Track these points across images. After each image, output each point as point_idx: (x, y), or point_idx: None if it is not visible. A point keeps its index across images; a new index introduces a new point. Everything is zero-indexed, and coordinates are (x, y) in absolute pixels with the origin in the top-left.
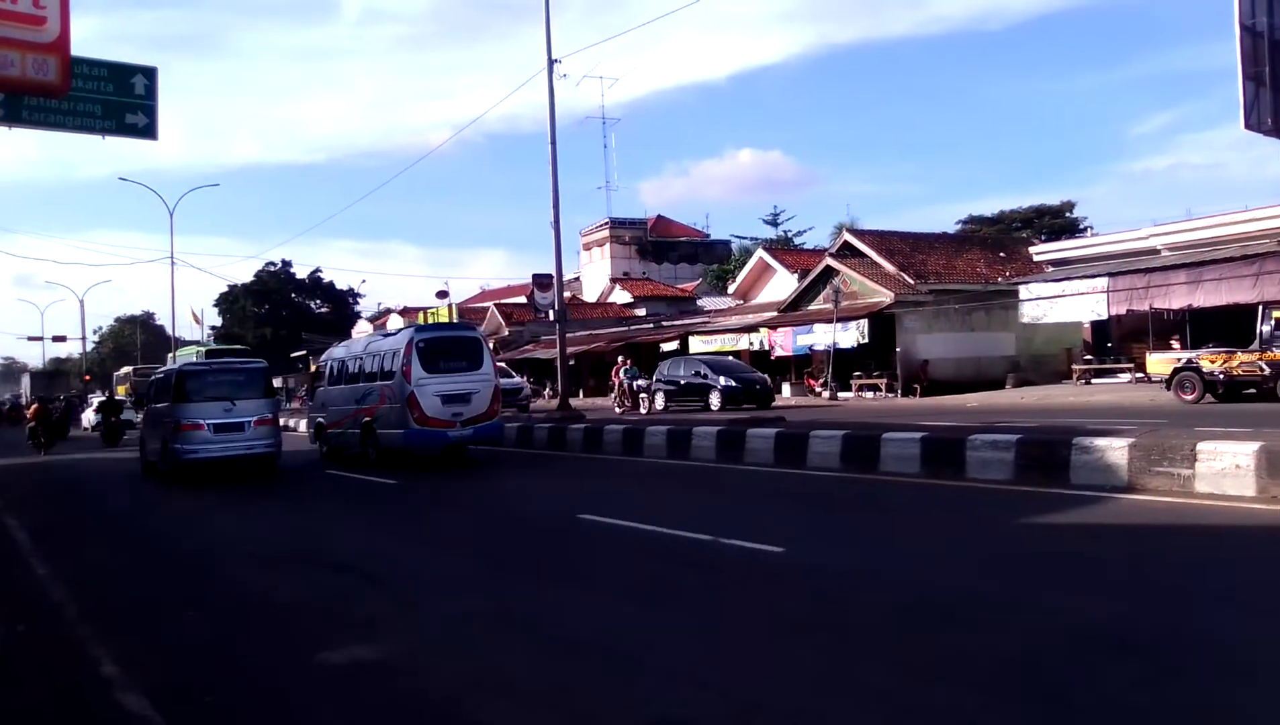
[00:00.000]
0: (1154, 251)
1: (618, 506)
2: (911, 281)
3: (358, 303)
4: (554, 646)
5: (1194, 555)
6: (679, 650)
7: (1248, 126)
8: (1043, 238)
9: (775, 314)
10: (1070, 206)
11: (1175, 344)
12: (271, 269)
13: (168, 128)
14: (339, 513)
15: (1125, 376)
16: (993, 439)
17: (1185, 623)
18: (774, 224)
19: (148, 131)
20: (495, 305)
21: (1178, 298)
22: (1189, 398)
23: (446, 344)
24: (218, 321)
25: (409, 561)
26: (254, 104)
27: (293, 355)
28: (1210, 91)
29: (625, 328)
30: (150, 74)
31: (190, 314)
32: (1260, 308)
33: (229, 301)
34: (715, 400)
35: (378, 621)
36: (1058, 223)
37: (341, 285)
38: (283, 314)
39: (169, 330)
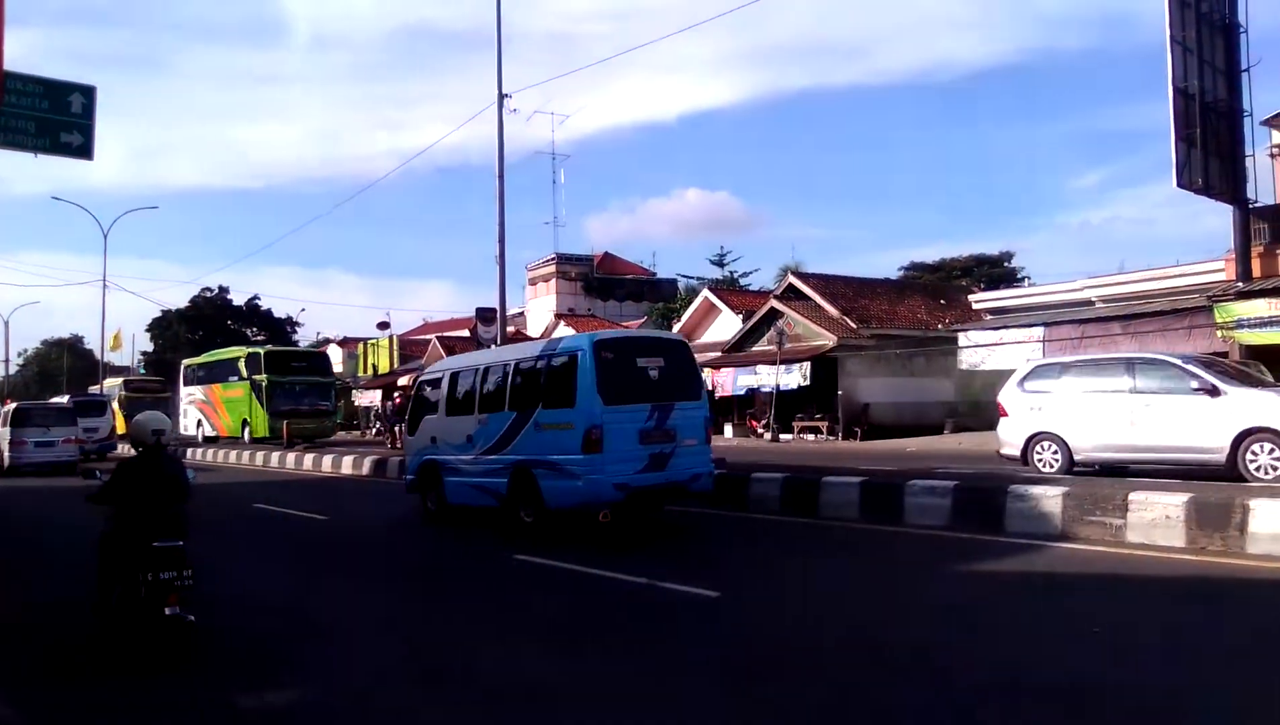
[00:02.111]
0: (1088, 303)
1: (549, 546)
2: (854, 326)
3: (296, 332)
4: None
5: (1121, 605)
6: (602, 698)
7: (1180, 185)
8: (981, 286)
9: (719, 354)
10: (1009, 256)
11: None
12: (207, 295)
13: (106, 148)
14: None
15: None
16: (930, 485)
17: (1099, 671)
18: (720, 264)
19: (83, 151)
20: (437, 337)
21: (1112, 348)
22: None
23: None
24: (149, 346)
25: None
26: (197, 127)
27: None
28: (1143, 149)
29: None
30: (89, 93)
31: (114, 339)
32: None
33: (162, 327)
34: None
35: None
36: (996, 272)
37: (280, 313)
38: (217, 341)
39: (98, 354)
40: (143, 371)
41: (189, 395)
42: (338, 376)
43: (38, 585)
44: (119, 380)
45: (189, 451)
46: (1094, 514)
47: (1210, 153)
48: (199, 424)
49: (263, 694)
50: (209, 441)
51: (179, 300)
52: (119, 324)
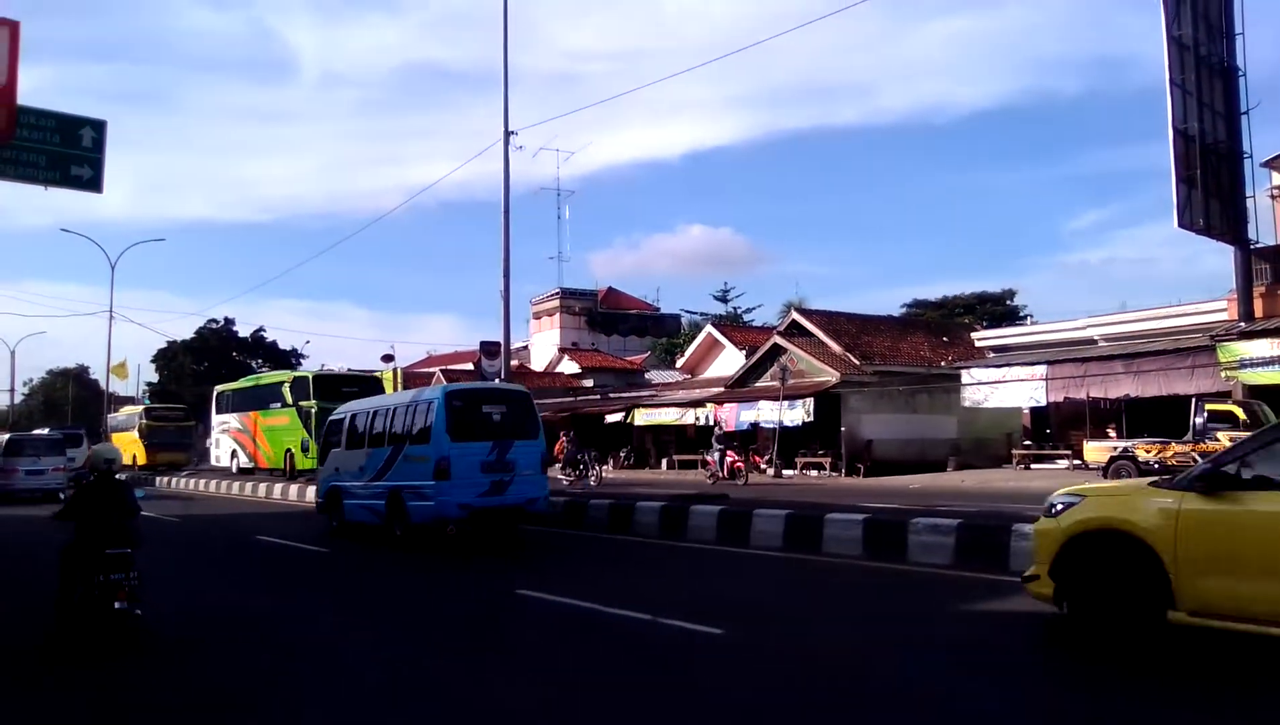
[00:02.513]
0: (1091, 341)
1: (555, 583)
2: (857, 362)
3: (300, 364)
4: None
5: None
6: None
7: (1181, 225)
8: (984, 324)
9: (722, 389)
10: (1011, 294)
11: (1111, 433)
12: (213, 326)
13: (115, 181)
14: None
15: (1063, 463)
16: (934, 523)
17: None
18: (724, 300)
19: (93, 184)
20: (441, 371)
21: (1115, 387)
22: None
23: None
24: (154, 377)
25: None
26: (205, 161)
27: None
28: (1143, 190)
29: (571, 398)
30: (99, 127)
31: (120, 369)
32: (1194, 401)
33: (167, 358)
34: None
35: None
36: (999, 310)
37: (285, 345)
38: (222, 372)
39: (103, 384)
40: (148, 402)
41: (222, 424)
42: None
43: (23, 591)
44: (139, 408)
45: (215, 484)
46: None
47: (1211, 194)
48: (233, 455)
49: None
50: (244, 473)
51: (184, 331)
52: (124, 355)
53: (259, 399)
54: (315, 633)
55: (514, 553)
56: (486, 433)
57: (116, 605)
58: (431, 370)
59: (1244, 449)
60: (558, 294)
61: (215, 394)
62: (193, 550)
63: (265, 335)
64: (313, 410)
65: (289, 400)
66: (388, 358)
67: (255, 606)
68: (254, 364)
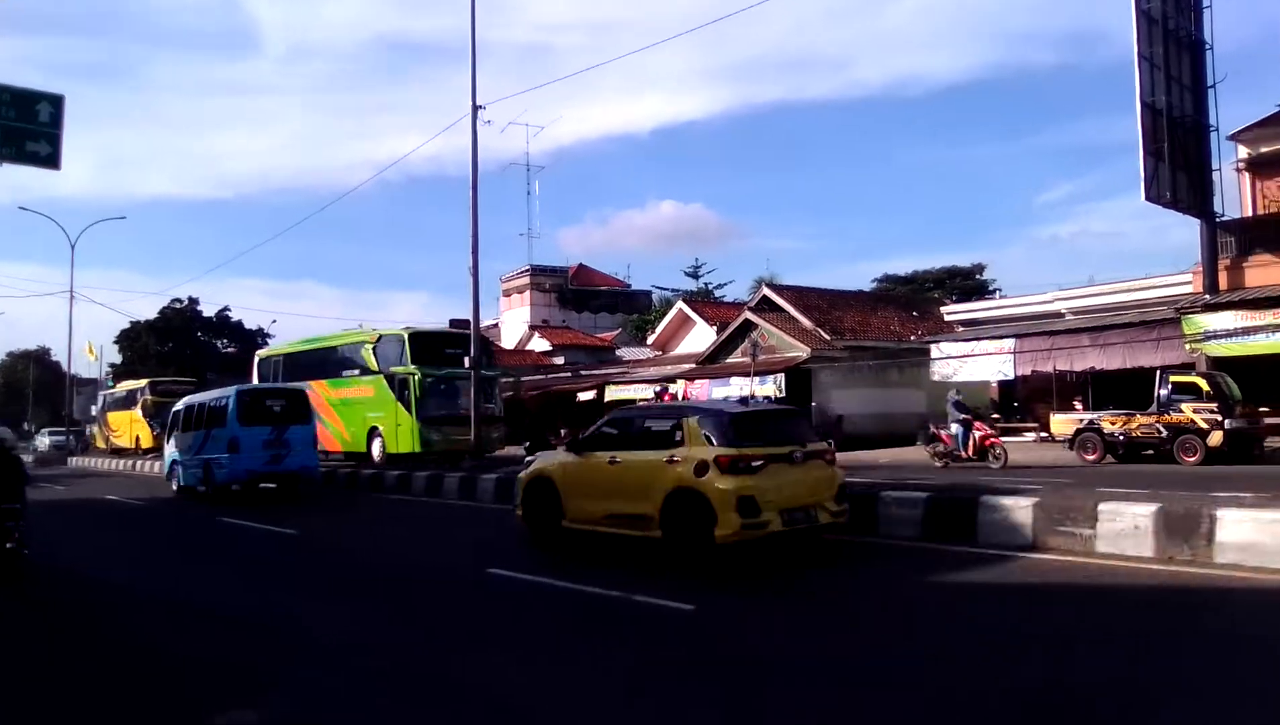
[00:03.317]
0: (1058, 315)
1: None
2: (828, 337)
3: (267, 343)
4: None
5: (1084, 617)
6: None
7: (1148, 198)
8: (954, 298)
9: (694, 366)
10: (980, 269)
11: (1078, 405)
12: (177, 306)
13: (74, 157)
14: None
15: (1030, 436)
16: (903, 496)
17: (1070, 684)
18: (695, 276)
19: (50, 161)
20: None
21: (1081, 360)
22: (1091, 458)
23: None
24: (118, 358)
25: None
26: (168, 136)
27: None
28: (1112, 164)
29: (543, 376)
30: (56, 102)
31: (88, 349)
32: (1158, 372)
33: (130, 338)
34: None
35: None
36: (968, 284)
37: (251, 325)
38: (186, 353)
39: (65, 366)
40: (111, 384)
41: None
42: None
43: None
44: (142, 382)
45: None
46: (1064, 524)
47: (1178, 167)
48: None
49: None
50: None
51: (148, 311)
52: (86, 335)
53: (325, 365)
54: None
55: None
56: (269, 419)
57: (9, 545)
58: None
59: (596, 426)
60: (528, 271)
61: (257, 361)
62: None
63: (230, 315)
64: (414, 378)
65: (373, 366)
66: None
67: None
68: (219, 344)
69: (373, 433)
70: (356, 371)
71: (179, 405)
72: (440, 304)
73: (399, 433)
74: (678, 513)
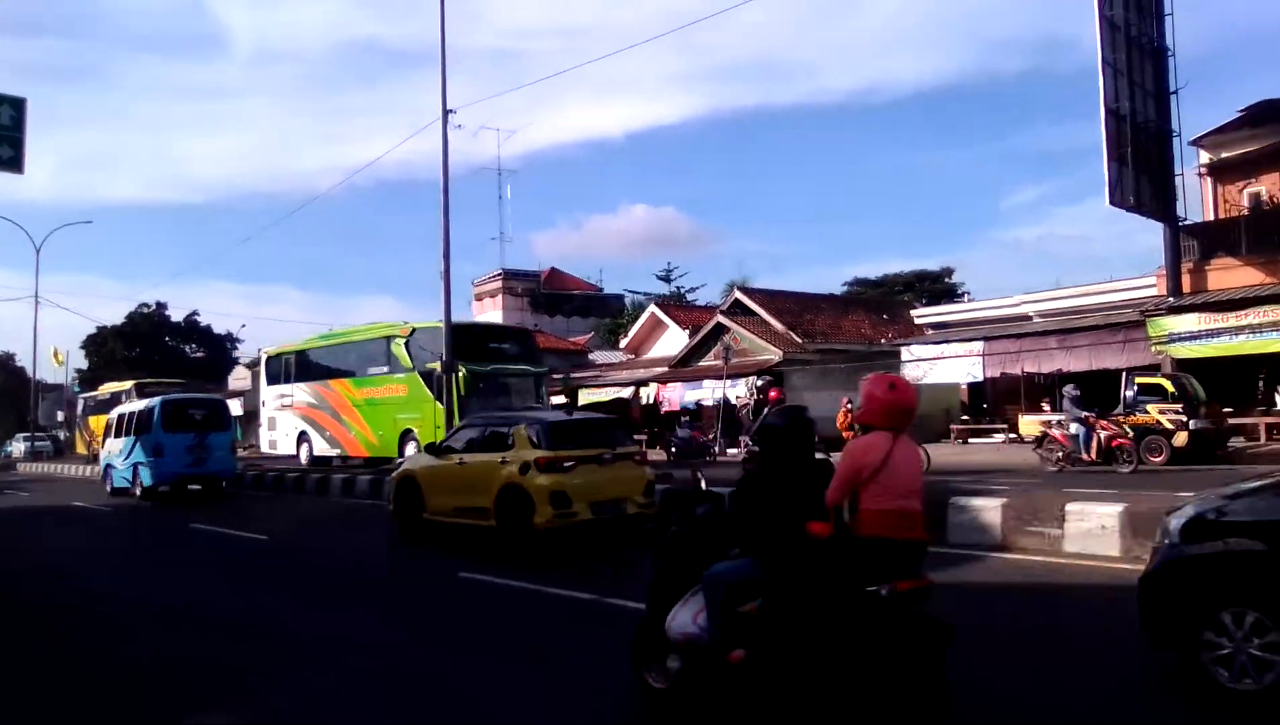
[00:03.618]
0: (1026, 317)
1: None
2: (799, 340)
3: (236, 348)
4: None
5: (1048, 614)
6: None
7: (1112, 203)
8: (923, 301)
9: (666, 369)
10: (949, 272)
11: (1045, 407)
12: (145, 311)
13: (39, 161)
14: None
15: (1000, 437)
16: None
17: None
18: (667, 280)
19: (13, 164)
20: None
21: (1049, 362)
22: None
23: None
24: (84, 364)
25: None
26: (135, 140)
27: None
28: (1077, 168)
29: None
30: (18, 105)
31: (54, 355)
32: (1124, 374)
33: (97, 344)
34: None
35: None
36: (937, 287)
37: (220, 329)
38: (155, 358)
39: (30, 372)
40: (77, 389)
41: (280, 398)
42: None
43: None
44: (128, 384)
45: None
46: (1032, 524)
47: (1141, 172)
48: (302, 439)
49: None
50: (319, 463)
51: (115, 316)
52: (52, 341)
53: (347, 362)
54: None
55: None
56: (191, 427)
57: None
58: None
59: (452, 432)
60: (500, 275)
61: (265, 357)
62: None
63: (199, 319)
64: (458, 376)
65: (406, 362)
66: None
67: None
68: (188, 349)
69: (405, 436)
70: (385, 368)
71: (112, 414)
72: (411, 308)
73: (439, 437)
74: (507, 505)
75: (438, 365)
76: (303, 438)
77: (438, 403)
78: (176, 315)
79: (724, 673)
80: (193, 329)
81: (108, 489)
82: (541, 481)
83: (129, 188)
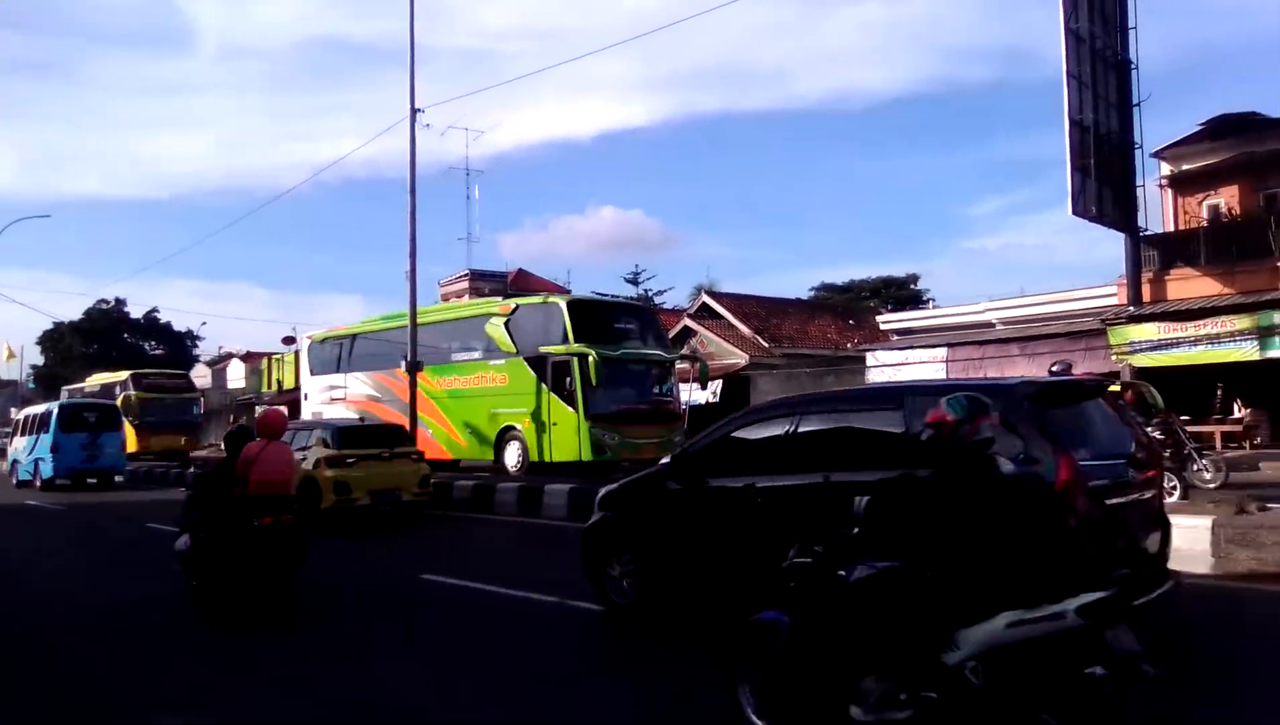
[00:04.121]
0: (989, 325)
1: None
2: (766, 344)
3: (196, 346)
4: None
5: None
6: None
7: (1075, 212)
8: (889, 307)
9: None
10: (915, 279)
11: None
12: (103, 307)
13: None
14: None
15: None
16: None
17: None
18: (635, 282)
19: None
20: None
21: (1011, 369)
22: None
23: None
24: (40, 360)
25: None
26: (97, 135)
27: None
28: (1042, 178)
29: None
30: None
31: (7, 351)
32: None
33: (54, 340)
34: None
35: None
36: (903, 294)
37: (180, 326)
38: (113, 355)
39: None
40: (33, 387)
41: (329, 390)
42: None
43: None
44: (122, 375)
45: None
46: None
47: (1104, 182)
48: None
49: None
50: None
51: (73, 312)
52: (5, 337)
53: (423, 345)
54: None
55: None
56: (85, 427)
57: None
58: None
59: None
60: (467, 275)
61: (309, 346)
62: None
63: (159, 316)
64: (589, 360)
65: (507, 346)
66: (289, 340)
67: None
68: (147, 347)
69: (506, 434)
70: (477, 353)
71: (19, 416)
72: (376, 308)
73: (554, 435)
74: (305, 492)
75: (558, 348)
76: None
77: (552, 394)
78: (136, 312)
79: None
80: (152, 326)
81: (14, 482)
82: (327, 474)
83: (90, 183)
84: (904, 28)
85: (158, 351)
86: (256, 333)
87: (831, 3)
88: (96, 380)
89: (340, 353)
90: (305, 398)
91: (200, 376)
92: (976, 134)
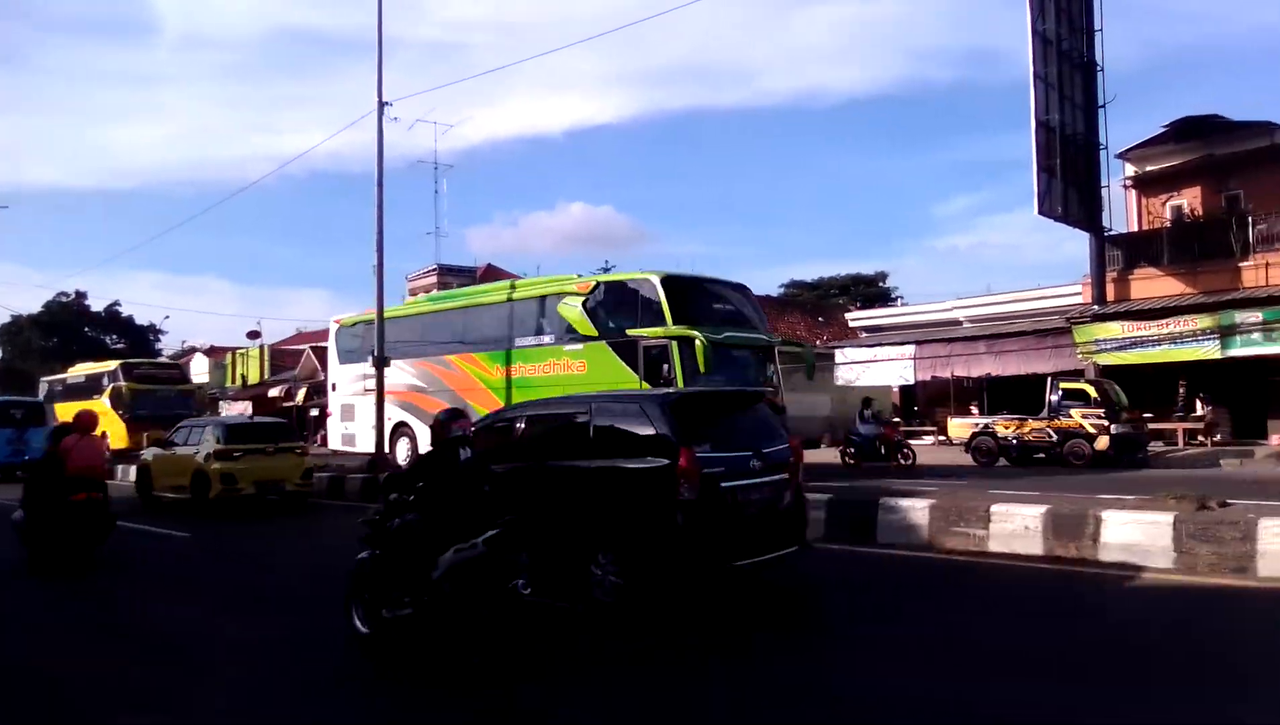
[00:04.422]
0: (957, 323)
1: None
2: None
3: (159, 340)
4: None
5: (960, 611)
6: None
7: (1041, 212)
8: (858, 305)
9: None
10: (884, 277)
11: (974, 410)
12: (64, 300)
13: None
14: None
15: (929, 439)
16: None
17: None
18: None
19: None
20: (310, 348)
21: (978, 366)
22: (985, 461)
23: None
24: None
25: None
26: (57, 125)
27: None
28: (1009, 178)
29: None
30: None
31: None
32: (1050, 379)
33: (12, 333)
34: None
35: None
36: (872, 291)
37: (143, 320)
38: (74, 348)
39: None
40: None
41: (365, 380)
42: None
43: None
44: (111, 365)
45: None
46: (958, 525)
47: (1069, 183)
48: (400, 431)
49: None
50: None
51: (32, 305)
52: None
53: (481, 329)
54: None
55: None
56: (12, 424)
57: None
58: (302, 347)
59: (172, 431)
60: (435, 270)
61: (337, 330)
62: None
63: (121, 310)
64: (698, 343)
65: (587, 328)
66: (254, 334)
67: None
68: (109, 340)
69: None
70: (549, 337)
71: None
72: (343, 302)
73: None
74: (196, 482)
75: (654, 331)
76: (401, 430)
77: (646, 383)
78: (97, 305)
79: None
80: (114, 319)
81: None
82: (215, 466)
83: (50, 173)
84: (873, 27)
85: (119, 345)
86: (222, 327)
87: (799, 2)
88: (80, 370)
89: (372, 337)
90: (333, 389)
91: None
92: (945, 134)
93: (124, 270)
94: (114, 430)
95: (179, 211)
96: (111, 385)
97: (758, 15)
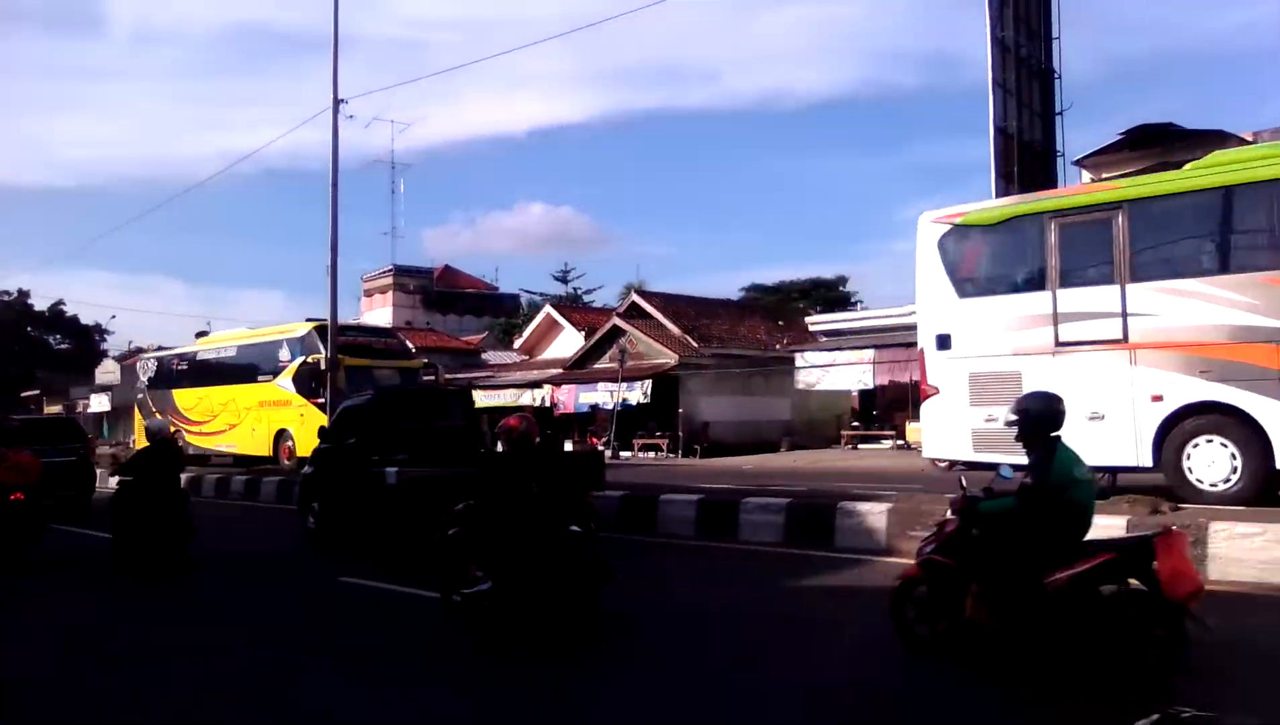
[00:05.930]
0: (915, 327)
1: None
2: (695, 344)
3: (105, 340)
4: None
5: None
6: None
7: None
8: (818, 309)
9: (561, 371)
10: (844, 281)
11: None
12: (5, 298)
13: None
14: None
15: (888, 443)
16: (764, 503)
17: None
18: (564, 280)
19: None
20: None
21: None
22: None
23: None
24: None
25: None
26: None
27: (23, 394)
28: (967, 183)
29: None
30: None
31: None
32: None
33: None
34: None
35: None
36: (832, 295)
37: (88, 320)
38: (15, 349)
39: None
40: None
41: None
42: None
43: None
44: (298, 329)
45: None
46: (916, 529)
47: (1027, 189)
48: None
49: None
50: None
51: None
52: None
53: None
54: None
55: None
56: None
57: None
58: None
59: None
60: (391, 271)
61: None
62: None
63: (65, 309)
64: None
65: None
66: (201, 334)
67: None
68: (52, 341)
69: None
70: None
71: None
72: (297, 303)
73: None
74: None
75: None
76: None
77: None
78: (40, 304)
79: None
80: (58, 319)
81: None
82: None
83: None
84: (835, 30)
85: (63, 346)
86: (171, 327)
87: (764, 3)
88: (224, 339)
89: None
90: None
91: (108, 372)
92: (905, 138)
93: (70, 269)
94: (306, 432)
95: (127, 210)
96: (299, 360)
97: (722, 16)
